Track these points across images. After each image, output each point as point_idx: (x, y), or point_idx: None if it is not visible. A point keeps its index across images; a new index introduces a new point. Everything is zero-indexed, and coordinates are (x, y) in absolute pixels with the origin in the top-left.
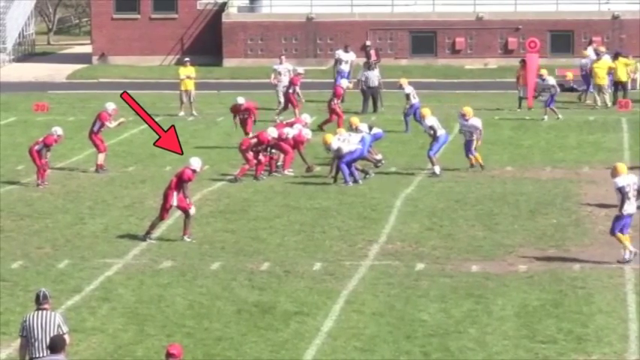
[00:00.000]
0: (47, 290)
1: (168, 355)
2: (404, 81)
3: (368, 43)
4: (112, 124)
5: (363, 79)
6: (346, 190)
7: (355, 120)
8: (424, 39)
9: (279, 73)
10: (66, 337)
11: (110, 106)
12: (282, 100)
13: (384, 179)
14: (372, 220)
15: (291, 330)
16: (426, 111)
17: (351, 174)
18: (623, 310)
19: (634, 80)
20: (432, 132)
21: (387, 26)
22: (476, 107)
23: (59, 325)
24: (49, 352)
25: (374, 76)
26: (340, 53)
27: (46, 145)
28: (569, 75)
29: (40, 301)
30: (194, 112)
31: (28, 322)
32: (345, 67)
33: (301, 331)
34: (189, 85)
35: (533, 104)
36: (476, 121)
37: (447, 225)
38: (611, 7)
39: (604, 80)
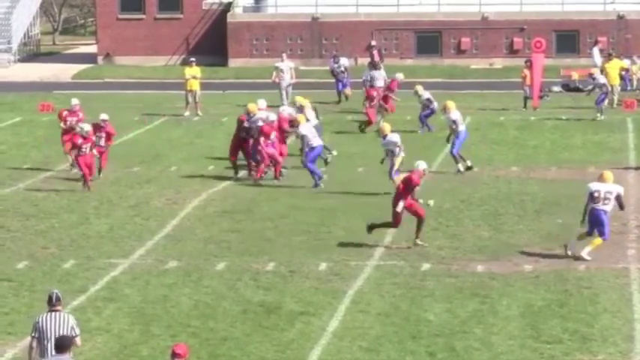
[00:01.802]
0: (59, 292)
1: (174, 355)
2: (420, 88)
3: (373, 43)
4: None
5: (368, 78)
6: (352, 191)
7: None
8: (429, 39)
9: (281, 71)
10: (77, 339)
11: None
12: (285, 98)
13: (387, 180)
14: (378, 220)
15: (297, 330)
16: (451, 104)
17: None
18: (628, 310)
19: (639, 80)
20: (454, 126)
21: (392, 26)
22: (481, 107)
23: (72, 327)
24: (55, 352)
25: (380, 76)
26: (333, 66)
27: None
28: (575, 75)
29: (52, 303)
30: (199, 112)
31: (40, 323)
32: (343, 76)
33: (306, 331)
34: (195, 85)
35: (539, 104)
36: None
37: (452, 225)
38: (617, 7)
39: (615, 80)
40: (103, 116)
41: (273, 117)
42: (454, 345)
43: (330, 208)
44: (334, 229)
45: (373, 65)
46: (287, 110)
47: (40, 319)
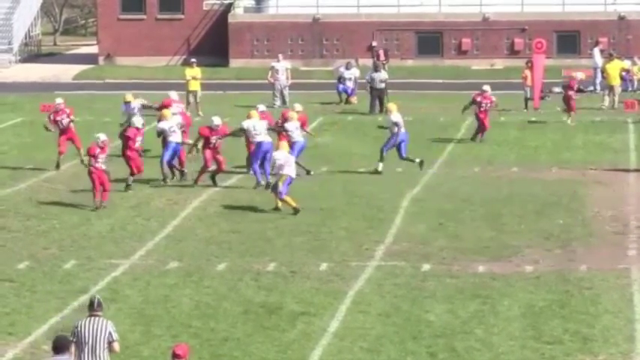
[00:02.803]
0: (100, 297)
1: (174, 355)
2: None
3: (374, 43)
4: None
5: (369, 80)
6: (353, 191)
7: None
8: (430, 39)
9: (277, 71)
10: (115, 344)
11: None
12: (278, 98)
13: (390, 180)
14: (379, 220)
15: (298, 330)
16: (392, 106)
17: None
18: (629, 310)
19: (639, 81)
20: (395, 128)
21: (393, 27)
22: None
23: (110, 333)
24: (53, 352)
25: (379, 78)
26: (342, 71)
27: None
28: (581, 75)
29: (93, 308)
30: (200, 113)
31: (79, 328)
32: (349, 84)
33: (307, 332)
34: (195, 85)
35: (540, 105)
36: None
37: (453, 225)
38: (618, 7)
39: (616, 80)
40: (102, 137)
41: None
42: (455, 345)
43: (330, 208)
44: (335, 229)
45: (375, 66)
46: (297, 108)
47: (79, 324)
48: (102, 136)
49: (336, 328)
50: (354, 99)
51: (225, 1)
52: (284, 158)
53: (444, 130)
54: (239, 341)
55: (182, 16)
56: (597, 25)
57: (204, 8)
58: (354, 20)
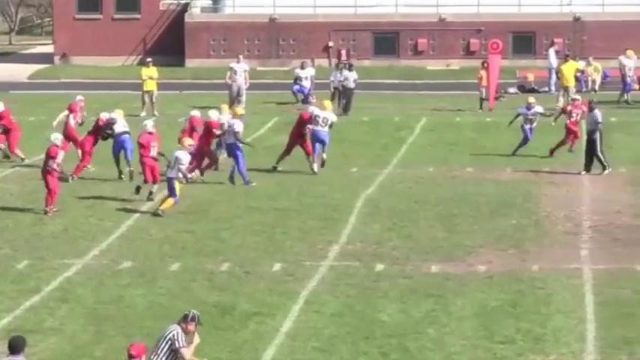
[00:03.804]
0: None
1: (129, 356)
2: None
3: (331, 44)
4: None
5: (342, 79)
6: (307, 191)
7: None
8: (387, 40)
9: (235, 72)
10: (184, 351)
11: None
12: (235, 100)
13: (345, 180)
14: (333, 220)
15: (250, 330)
16: (327, 104)
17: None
18: (581, 310)
19: (594, 81)
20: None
21: (349, 27)
22: (437, 108)
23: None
24: (9, 352)
25: (353, 77)
26: (299, 72)
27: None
28: (531, 76)
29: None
30: (156, 113)
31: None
32: (305, 84)
33: (260, 332)
34: (152, 85)
35: (494, 105)
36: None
37: (407, 225)
38: (573, 8)
39: (571, 82)
40: (57, 136)
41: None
42: (407, 345)
43: (285, 208)
44: (289, 229)
45: (348, 66)
46: (310, 108)
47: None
48: (59, 136)
49: (289, 328)
50: (312, 99)
51: (181, 1)
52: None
53: (399, 130)
54: None
55: (138, 16)
56: (553, 26)
57: (161, 8)
58: (311, 21)
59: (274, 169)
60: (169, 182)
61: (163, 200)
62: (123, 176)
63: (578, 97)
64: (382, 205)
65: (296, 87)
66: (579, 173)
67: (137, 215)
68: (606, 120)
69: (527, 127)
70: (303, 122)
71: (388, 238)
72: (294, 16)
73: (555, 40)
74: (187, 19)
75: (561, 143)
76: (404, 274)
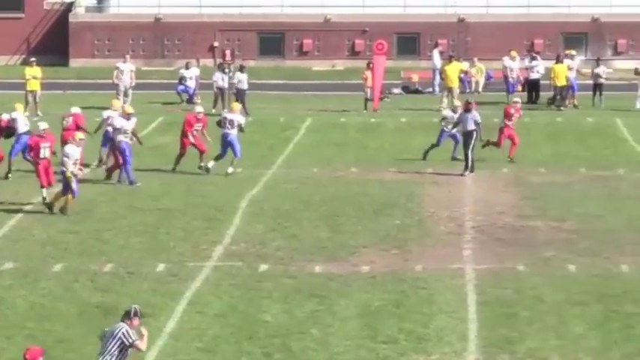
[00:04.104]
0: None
1: None
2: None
3: (216, 44)
4: None
5: (236, 81)
6: (192, 191)
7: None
8: (272, 40)
9: (122, 72)
10: (138, 343)
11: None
12: (122, 100)
13: (230, 180)
14: (217, 221)
15: None
16: (235, 106)
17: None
18: (463, 310)
19: (477, 82)
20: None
21: (235, 27)
22: (323, 109)
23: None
24: None
25: (245, 79)
26: (184, 72)
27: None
28: (415, 77)
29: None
30: (39, 112)
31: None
32: (190, 84)
33: None
34: (35, 85)
35: (379, 106)
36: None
37: (291, 226)
38: (457, 10)
39: (455, 83)
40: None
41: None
42: (291, 345)
43: (169, 208)
44: (173, 230)
45: (239, 67)
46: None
47: None
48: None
49: (172, 329)
50: (197, 99)
51: (66, 1)
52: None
53: (285, 130)
54: (74, 343)
55: (22, 15)
56: (437, 27)
57: (45, 7)
58: (196, 20)
59: (173, 170)
60: (64, 178)
61: (56, 197)
62: (10, 175)
63: (518, 99)
64: (267, 205)
65: (181, 87)
66: (462, 174)
67: (20, 216)
68: (490, 121)
69: (447, 130)
70: (189, 124)
71: (272, 239)
72: (179, 16)
73: (439, 41)
74: (72, 18)
75: (494, 144)
76: (287, 274)
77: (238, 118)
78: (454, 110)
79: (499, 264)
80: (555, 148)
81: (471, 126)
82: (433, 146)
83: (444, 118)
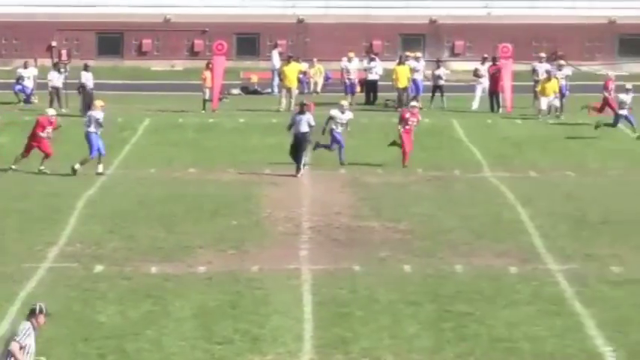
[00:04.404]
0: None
1: None
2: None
3: (54, 43)
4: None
5: (84, 81)
6: (27, 191)
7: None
8: (111, 40)
9: None
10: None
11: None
12: None
13: (66, 180)
14: (53, 221)
15: None
16: (97, 103)
17: None
18: (298, 310)
19: (316, 83)
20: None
21: (73, 27)
22: (161, 109)
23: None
24: None
25: (91, 78)
26: (22, 71)
27: None
28: (254, 78)
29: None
30: None
31: None
32: (27, 84)
33: None
34: None
35: (218, 106)
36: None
37: (128, 226)
38: (297, 10)
39: (293, 83)
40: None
41: None
42: (125, 347)
43: (4, 209)
44: (7, 230)
45: (57, 67)
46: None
47: None
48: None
49: (5, 331)
50: (34, 99)
51: None
52: None
53: (123, 131)
54: None
55: None
56: (276, 27)
57: None
58: (34, 20)
59: (11, 169)
60: None
61: None
62: None
63: (415, 103)
64: (103, 206)
65: (18, 87)
66: (295, 175)
67: None
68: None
69: (338, 131)
70: (41, 126)
71: (108, 239)
72: (16, 15)
73: (279, 41)
74: None
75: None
76: (123, 275)
77: (98, 114)
78: (341, 110)
79: (335, 264)
80: (393, 149)
81: (305, 128)
82: (325, 147)
83: (331, 118)
